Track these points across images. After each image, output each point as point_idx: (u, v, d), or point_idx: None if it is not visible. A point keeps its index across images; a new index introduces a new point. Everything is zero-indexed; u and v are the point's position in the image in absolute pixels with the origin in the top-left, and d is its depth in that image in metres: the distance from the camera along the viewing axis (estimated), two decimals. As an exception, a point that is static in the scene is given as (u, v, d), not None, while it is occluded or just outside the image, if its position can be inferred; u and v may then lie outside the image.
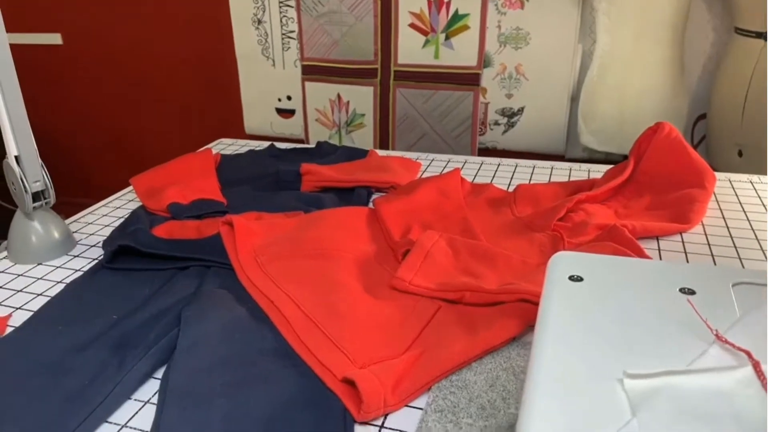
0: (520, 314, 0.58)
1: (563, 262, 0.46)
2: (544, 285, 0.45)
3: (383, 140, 1.92)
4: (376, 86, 1.87)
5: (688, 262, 0.71)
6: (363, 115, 1.92)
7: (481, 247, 0.71)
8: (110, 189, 2.43)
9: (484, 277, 0.66)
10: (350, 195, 0.89)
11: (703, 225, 0.79)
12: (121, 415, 0.50)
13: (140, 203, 0.87)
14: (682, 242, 0.75)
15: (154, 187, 0.87)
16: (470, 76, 1.76)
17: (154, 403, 0.51)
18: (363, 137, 1.94)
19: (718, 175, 0.93)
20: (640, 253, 0.68)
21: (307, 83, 1.96)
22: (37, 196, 0.72)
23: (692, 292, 0.42)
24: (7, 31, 0.58)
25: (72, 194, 2.57)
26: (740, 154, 1.47)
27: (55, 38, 2.26)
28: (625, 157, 1.65)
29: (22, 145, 0.68)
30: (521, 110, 1.78)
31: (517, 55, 1.73)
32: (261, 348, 0.57)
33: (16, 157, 0.68)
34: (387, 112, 1.88)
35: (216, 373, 0.53)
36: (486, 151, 1.84)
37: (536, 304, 0.57)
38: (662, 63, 1.50)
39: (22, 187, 0.69)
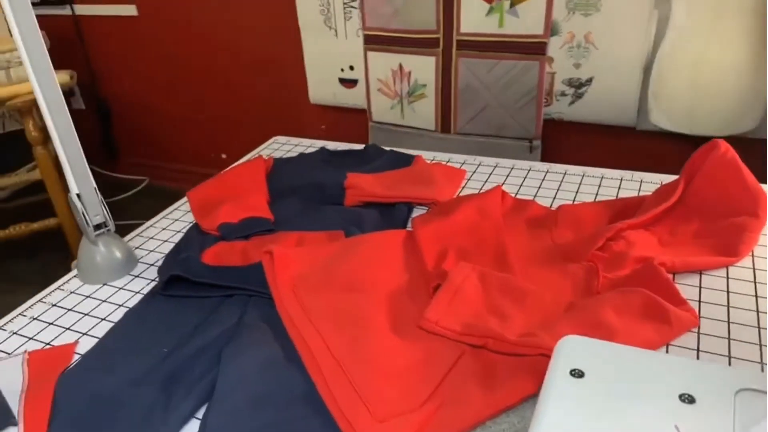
0: (539, 371, 0.59)
1: (568, 351, 0.47)
2: (546, 374, 0.46)
3: (445, 111, 1.90)
4: (438, 56, 1.83)
5: (728, 303, 0.68)
6: (424, 85, 1.90)
7: (513, 283, 0.72)
8: (189, 154, 2.55)
9: (512, 317, 0.67)
10: (391, 210, 0.91)
11: (752, 257, 0.75)
12: (165, 457, 0.56)
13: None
14: (727, 278, 0.72)
15: (207, 202, 0.92)
16: (536, 45, 1.69)
17: (194, 447, 0.57)
18: (424, 108, 1.93)
19: (782, 190, 0.88)
20: (675, 297, 0.67)
21: (369, 53, 1.95)
22: (99, 225, 0.78)
23: (692, 400, 0.42)
24: (84, 2, 0.61)
25: (156, 157, 2.72)
26: (827, 136, 1.36)
27: (130, 10, 2.34)
28: (698, 140, 1.57)
29: (81, 184, 0.74)
30: (590, 81, 1.71)
31: (586, 23, 1.64)
32: (292, 391, 0.61)
33: (78, 194, 0.74)
34: (449, 83, 1.85)
35: (249, 416, 0.58)
36: (551, 123, 1.79)
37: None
38: (743, 35, 1.38)
39: (84, 220, 0.76)
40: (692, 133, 1.50)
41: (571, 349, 0.47)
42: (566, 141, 1.84)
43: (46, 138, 1.88)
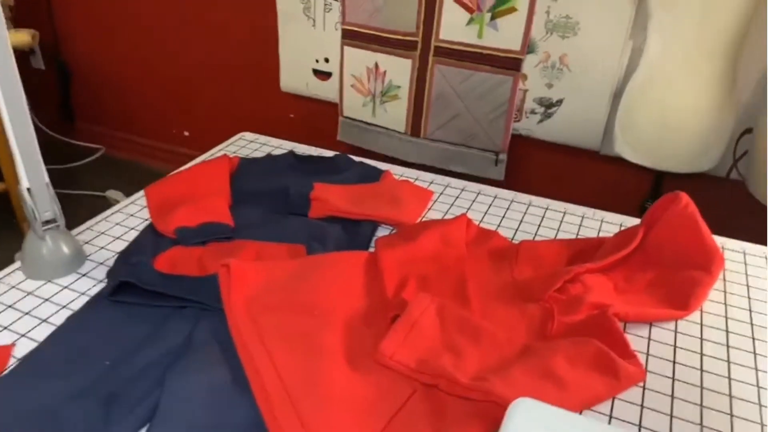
0: (489, 418, 0.60)
1: (521, 415, 0.47)
2: (497, 437, 0.46)
3: (416, 115, 1.89)
4: (414, 59, 1.82)
5: (675, 358, 0.70)
6: (399, 87, 1.88)
7: (470, 320, 0.72)
8: (150, 127, 2.47)
9: (466, 356, 0.67)
10: (356, 227, 0.90)
11: (701, 312, 0.77)
12: (98, 482, 0.54)
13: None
14: (675, 332, 0.74)
15: (166, 201, 0.89)
16: (512, 60, 1.70)
17: (130, 472, 0.55)
18: (396, 109, 1.91)
19: (733, 243, 0.91)
20: (624, 350, 0.68)
21: (345, 48, 1.92)
22: (48, 221, 0.75)
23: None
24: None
25: (114, 127, 2.63)
26: (779, 183, 1.41)
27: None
28: (658, 173, 1.61)
29: (32, 178, 0.70)
30: (560, 102, 1.73)
31: (563, 45, 1.65)
32: (237, 420, 0.60)
33: (28, 189, 0.71)
34: (423, 87, 1.85)
35: (190, 445, 0.57)
36: (519, 138, 1.80)
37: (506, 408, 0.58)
38: (714, 78, 1.41)
39: (32, 215, 0.72)
40: (653, 166, 1.53)
41: (526, 414, 0.47)
42: (531, 158, 1.86)
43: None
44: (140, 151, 2.55)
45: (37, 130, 0.72)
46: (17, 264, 0.79)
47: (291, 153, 1.08)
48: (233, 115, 2.30)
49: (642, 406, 0.64)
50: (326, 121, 2.07)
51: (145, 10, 2.25)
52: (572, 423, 0.47)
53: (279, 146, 1.15)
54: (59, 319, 0.71)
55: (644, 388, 0.66)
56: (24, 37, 1.93)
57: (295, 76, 2.08)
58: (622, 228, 0.93)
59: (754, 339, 0.73)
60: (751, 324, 0.76)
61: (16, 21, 1.99)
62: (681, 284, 0.79)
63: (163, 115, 2.46)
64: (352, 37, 1.88)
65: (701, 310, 0.78)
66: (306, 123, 2.19)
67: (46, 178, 0.72)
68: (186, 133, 2.44)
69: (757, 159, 1.47)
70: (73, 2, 2.38)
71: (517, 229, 0.93)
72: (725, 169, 1.62)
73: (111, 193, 2.19)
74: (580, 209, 0.98)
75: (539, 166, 1.87)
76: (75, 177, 2.41)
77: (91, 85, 2.57)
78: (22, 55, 2.48)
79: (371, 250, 0.86)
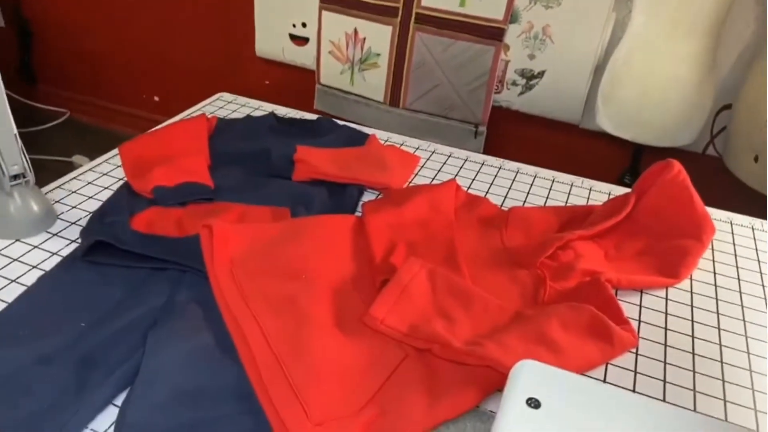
0: (483, 382, 0.58)
1: (525, 377, 0.46)
2: (501, 401, 0.45)
3: (396, 84, 1.85)
4: (395, 26, 1.78)
5: (666, 325, 0.70)
6: (378, 54, 1.84)
7: (461, 285, 0.70)
8: (117, 92, 2.38)
9: (459, 321, 0.66)
10: (341, 191, 0.87)
11: (691, 279, 0.77)
12: (75, 448, 0.51)
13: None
14: (666, 299, 0.74)
15: (141, 161, 0.84)
16: (494, 30, 1.67)
17: (110, 438, 0.52)
18: (375, 78, 1.87)
19: (720, 213, 0.90)
20: (618, 316, 0.67)
21: (323, 12, 1.86)
22: (16, 176, 0.70)
23: (646, 442, 0.42)
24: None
25: (79, 90, 2.52)
26: (756, 159, 1.42)
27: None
28: (637, 146, 1.61)
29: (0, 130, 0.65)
30: (542, 74, 1.71)
31: (546, 15, 1.63)
32: (222, 384, 0.57)
33: (-6, 140, 0.66)
34: (403, 55, 1.81)
35: (173, 410, 0.54)
36: (498, 110, 1.78)
37: (500, 372, 0.57)
38: (695, 54, 1.41)
39: (0, 169, 0.67)
40: (633, 139, 1.53)
41: (529, 375, 0.45)
42: (510, 130, 1.84)
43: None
44: (108, 116, 2.46)
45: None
46: (-18, 223, 0.74)
47: (272, 114, 1.04)
48: (206, 81, 2.22)
49: (635, 371, 0.63)
50: (302, 88, 2.02)
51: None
52: (575, 384, 0.46)
53: (259, 107, 1.11)
54: (29, 279, 0.67)
55: (637, 354, 0.65)
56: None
57: (270, 40, 2.01)
58: (611, 197, 0.92)
59: (743, 306, 0.73)
60: (740, 292, 0.76)
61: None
62: (671, 252, 0.78)
63: (132, 79, 2.37)
64: (330, 1, 1.83)
65: (691, 278, 0.77)
66: (281, 90, 2.13)
67: (14, 129, 0.67)
68: (156, 99, 2.36)
69: (735, 135, 1.48)
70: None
71: (505, 197, 0.91)
72: (702, 146, 1.63)
73: (78, 159, 2.11)
74: (569, 177, 0.97)
75: (518, 139, 1.86)
76: (38, 142, 2.31)
77: (55, 44, 2.45)
78: (-20, 11, 2.35)
79: (358, 214, 0.83)
